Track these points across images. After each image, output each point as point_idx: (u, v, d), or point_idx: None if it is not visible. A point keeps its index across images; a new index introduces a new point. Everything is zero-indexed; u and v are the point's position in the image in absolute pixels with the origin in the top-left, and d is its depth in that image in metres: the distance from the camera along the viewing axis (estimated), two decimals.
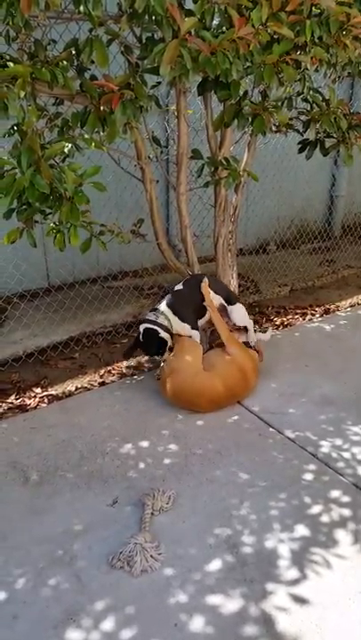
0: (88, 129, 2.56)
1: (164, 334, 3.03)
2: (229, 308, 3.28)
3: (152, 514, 2.23)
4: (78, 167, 2.43)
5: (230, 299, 3.31)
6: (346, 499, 2.37)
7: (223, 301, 3.27)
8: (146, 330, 3.04)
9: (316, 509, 2.31)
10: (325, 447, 2.69)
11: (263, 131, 2.91)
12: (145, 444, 2.71)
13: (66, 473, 2.51)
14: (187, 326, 3.09)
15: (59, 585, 1.97)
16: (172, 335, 3.08)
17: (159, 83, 2.97)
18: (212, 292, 3.21)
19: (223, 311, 3.27)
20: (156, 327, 3.02)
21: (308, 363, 3.51)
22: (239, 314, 3.29)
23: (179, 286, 3.24)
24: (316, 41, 2.68)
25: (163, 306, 3.11)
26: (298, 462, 2.59)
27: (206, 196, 3.88)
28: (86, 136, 2.63)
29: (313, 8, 2.62)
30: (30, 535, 2.17)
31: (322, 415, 2.96)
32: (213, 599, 1.92)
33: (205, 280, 3.18)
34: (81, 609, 1.88)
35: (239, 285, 3.89)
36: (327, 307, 4.51)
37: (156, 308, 3.11)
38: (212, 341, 3.30)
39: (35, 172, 2.28)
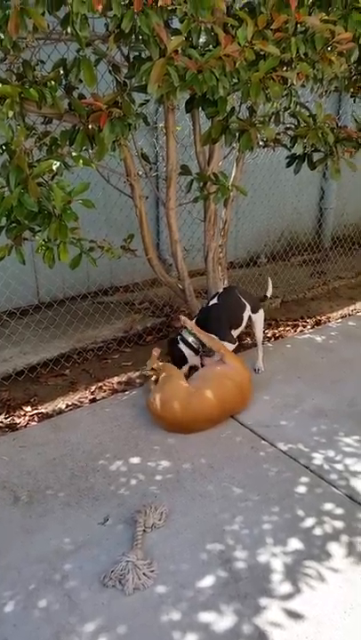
0: (77, 147, 2.58)
1: (185, 350, 3.25)
2: (253, 315, 3.50)
3: (144, 531, 2.21)
4: (67, 185, 2.45)
5: (256, 307, 3.53)
6: (339, 511, 2.36)
7: (250, 310, 3.47)
8: (170, 341, 3.35)
9: (309, 522, 2.30)
10: (318, 459, 2.69)
11: (251, 146, 2.95)
12: (136, 460, 2.70)
13: (56, 492, 2.49)
14: (215, 338, 3.20)
15: (49, 606, 1.94)
16: (197, 352, 3.23)
17: (147, 101, 3.01)
18: (242, 298, 3.44)
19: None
20: (180, 343, 3.26)
21: (301, 374, 3.52)
22: (260, 321, 3.59)
23: (214, 300, 3.38)
24: (302, 57, 2.72)
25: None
26: (291, 475, 2.58)
27: (196, 210, 3.91)
28: (75, 154, 2.65)
29: (298, 25, 2.67)
30: (21, 555, 2.15)
31: (314, 427, 2.96)
32: (207, 616, 1.90)
33: (183, 319, 3.22)
34: (72, 630, 1.85)
35: None
36: (318, 318, 4.53)
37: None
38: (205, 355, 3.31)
39: (23, 191, 2.29)
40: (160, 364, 3.15)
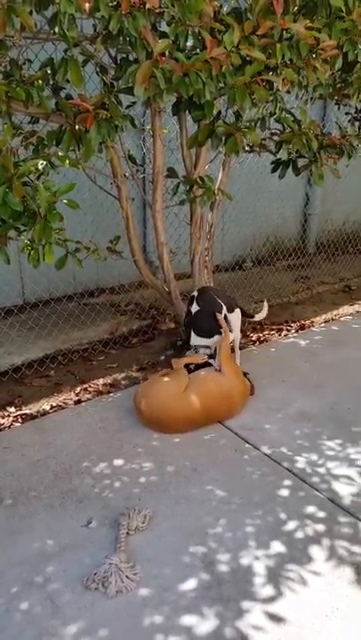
0: (63, 147, 2.58)
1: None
2: (229, 315, 3.42)
3: (127, 533, 2.21)
4: (52, 185, 2.44)
5: (231, 306, 3.47)
6: (321, 514, 2.38)
7: (225, 309, 3.39)
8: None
9: (291, 525, 2.31)
10: (301, 462, 2.71)
11: (237, 150, 2.96)
12: (120, 462, 2.69)
13: (40, 493, 2.47)
14: (216, 337, 3.22)
15: (32, 608, 1.92)
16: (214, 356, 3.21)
17: (134, 103, 3.01)
18: (217, 299, 3.37)
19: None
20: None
21: (285, 378, 3.54)
22: (237, 320, 3.50)
23: (195, 306, 3.33)
24: (288, 63, 2.75)
25: (194, 339, 3.26)
26: (274, 478, 2.59)
27: (182, 213, 3.92)
28: (61, 154, 2.64)
29: (284, 32, 2.69)
30: (4, 557, 2.13)
31: (298, 430, 2.98)
32: (189, 619, 1.90)
33: (222, 312, 3.27)
34: (54, 633, 1.84)
35: None
36: (302, 322, 4.56)
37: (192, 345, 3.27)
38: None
39: (7, 190, 2.28)
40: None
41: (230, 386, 3.03)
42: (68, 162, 2.62)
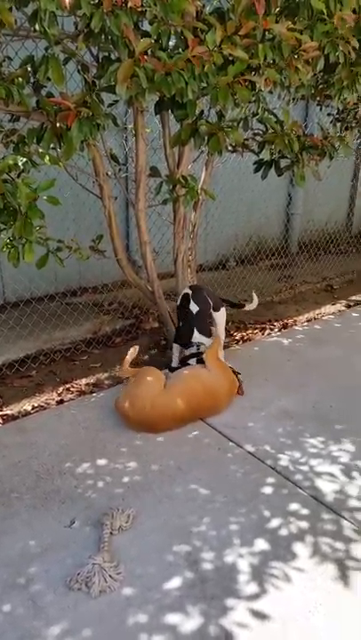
0: (44, 145, 2.56)
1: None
2: (215, 314, 3.51)
3: (111, 533, 2.20)
4: (32, 182, 2.42)
5: (217, 305, 3.55)
6: (304, 511, 2.39)
7: (212, 308, 3.48)
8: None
9: (275, 523, 2.32)
10: (284, 460, 2.72)
11: (219, 150, 2.97)
12: (103, 462, 2.68)
13: (22, 494, 2.45)
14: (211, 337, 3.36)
15: (14, 610, 1.90)
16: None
17: (116, 101, 3.00)
18: (208, 298, 3.49)
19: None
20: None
21: (268, 377, 3.56)
22: (222, 319, 3.57)
23: (194, 307, 3.39)
24: (270, 63, 2.76)
25: (197, 336, 3.33)
26: (257, 476, 2.60)
27: (166, 212, 3.92)
28: (41, 151, 2.62)
29: (266, 33, 2.70)
30: None
31: (281, 428, 2.99)
32: (173, 618, 1.89)
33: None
34: (37, 634, 1.82)
35: None
36: (285, 321, 4.59)
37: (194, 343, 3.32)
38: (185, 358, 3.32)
39: None
40: (131, 369, 3.13)
41: (215, 383, 3.04)
42: (48, 159, 2.59)
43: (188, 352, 3.29)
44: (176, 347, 3.44)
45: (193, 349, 3.27)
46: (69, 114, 2.47)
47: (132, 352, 3.19)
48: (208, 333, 3.37)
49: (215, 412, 3.05)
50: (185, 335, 3.34)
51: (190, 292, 3.45)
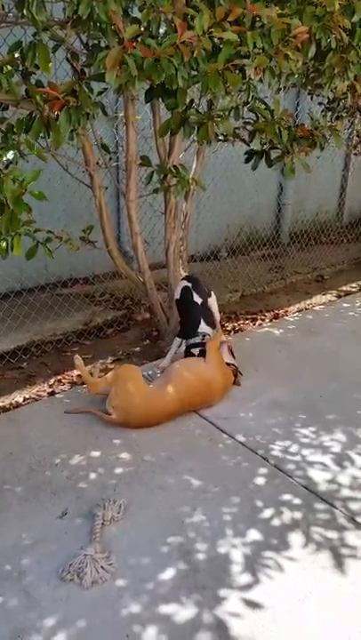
0: (32, 135, 2.52)
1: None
2: (209, 300, 3.50)
3: (103, 524, 2.19)
4: (20, 174, 2.38)
5: (209, 292, 3.55)
6: (297, 501, 2.40)
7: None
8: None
9: (267, 513, 2.33)
10: (276, 450, 2.73)
11: (208, 140, 2.94)
12: (96, 453, 2.67)
13: (14, 486, 2.44)
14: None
15: (7, 602, 1.90)
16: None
17: (106, 89, 2.96)
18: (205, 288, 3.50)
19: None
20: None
21: (259, 367, 3.56)
22: (215, 304, 3.57)
23: (197, 298, 3.40)
24: (260, 51, 2.73)
25: (203, 327, 3.34)
26: (249, 466, 2.61)
27: (157, 203, 3.89)
28: (31, 140, 2.58)
29: (256, 21, 2.67)
30: None
31: (272, 419, 3.00)
32: (167, 608, 1.90)
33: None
34: (31, 626, 1.82)
35: None
36: (277, 312, 4.59)
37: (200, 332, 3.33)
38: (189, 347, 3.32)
39: None
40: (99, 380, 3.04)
41: (211, 376, 3.03)
42: (35, 149, 2.56)
43: (191, 341, 3.29)
44: (176, 342, 3.44)
45: (198, 339, 3.27)
46: (56, 102, 2.43)
47: (79, 364, 3.02)
48: (213, 324, 3.38)
49: (209, 404, 3.05)
50: (191, 329, 3.32)
51: (190, 284, 3.43)
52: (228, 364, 3.23)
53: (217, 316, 3.59)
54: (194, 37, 2.44)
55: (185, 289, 3.41)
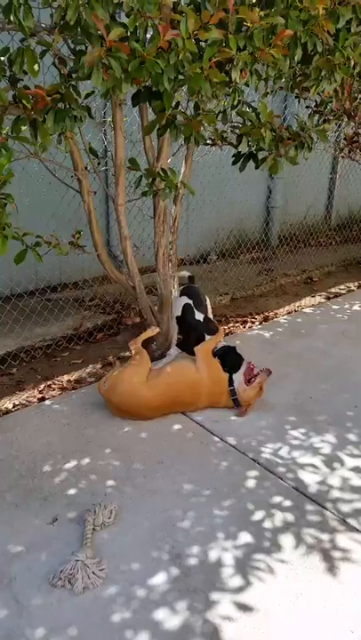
0: (16, 129, 2.53)
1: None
2: (208, 309, 3.55)
3: (93, 529, 2.19)
4: None
5: (204, 296, 3.62)
6: (288, 503, 2.41)
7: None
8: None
9: (259, 515, 2.33)
10: (266, 453, 2.73)
11: (195, 138, 2.93)
12: (86, 459, 2.66)
13: (3, 493, 2.43)
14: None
15: None
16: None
17: (93, 92, 2.96)
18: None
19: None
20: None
21: None
22: (209, 307, 3.61)
23: (199, 316, 3.42)
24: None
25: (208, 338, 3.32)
26: (240, 469, 2.61)
27: (146, 207, 3.90)
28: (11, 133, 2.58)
29: (243, 25, 2.68)
30: None
31: (262, 421, 3.01)
32: (158, 613, 1.90)
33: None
34: (21, 633, 1.81)
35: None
36: (266, 314, 4.61)
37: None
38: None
39: None
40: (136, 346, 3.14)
41: (196, 379, 3.03)
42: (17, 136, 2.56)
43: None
44: (175, 351, 3.51)
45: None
46: (42, 101, 2.44)
47: (150, 332, 3.28)
48: (214, 331, 3.36)
49: (195, 406, 3.05)
50: (195, 344, 3.24)
51: (190, 300, 3.45)
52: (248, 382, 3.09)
53: (210, 315, 3.61)
54: (177, 35, 2.44)
55: (186, 306, 3.43)
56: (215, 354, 3.16)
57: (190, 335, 3.42)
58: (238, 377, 3.07)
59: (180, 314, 3.47)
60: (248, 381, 3.06)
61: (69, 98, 2.54)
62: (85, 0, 2.25)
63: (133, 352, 3.11)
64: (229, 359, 3.15)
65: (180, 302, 3.49)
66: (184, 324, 3.47)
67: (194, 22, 2.49)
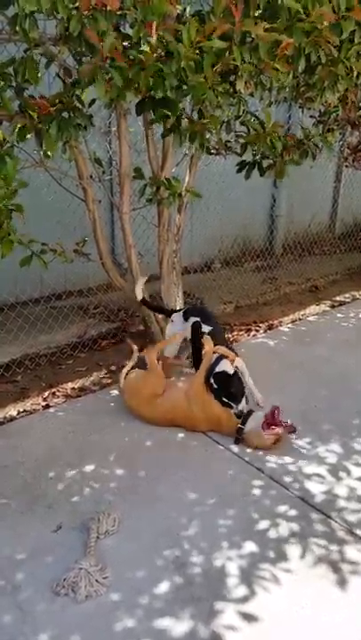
0: (20, 135, 2.56)
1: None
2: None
3: (97, 537, 2.18)
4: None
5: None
6: (293, 512, 2.39)
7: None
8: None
9: (264, 525, 2.32)
10: (272, 462, 2.72)
11: (199, 142, 2.95)
12: (90, 466, 2.66)
13: (8, 499, 2.43)
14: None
15: (0, 616, 1.88)
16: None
17: (94, 100, 2.98)
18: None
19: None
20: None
21: (253, 378, 3.54)
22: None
23: (207, 327, 3.25)
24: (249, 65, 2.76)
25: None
26: (245, 478, 2.60)
27: (150, 215, 3.91)
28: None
29: (247, 36, 2.70)
30: None
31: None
32: (162, 622, 1.88)
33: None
34: None
35: (185, 303, 3.92)
36: (271, 323, 4.60)
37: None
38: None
39: None
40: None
41: (186, 406, 2.95)
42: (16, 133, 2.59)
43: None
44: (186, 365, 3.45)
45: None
46: (45, 108, 2.48)
47: (178, 338, 3.29)
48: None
49: (192, 428, 2.96)
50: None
51: (199, 319, 3.28)
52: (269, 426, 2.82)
53: None
54: (167, 27, 2.46)
55: (196, 323, 3.27)
56: (215, 377, 2.97)
57: (199, 354, 3.20)
58: (256, 420, 2.82)
59: (190, 336, 3.30)
60: (268, 425, 2.79)
61: (71, 106, 2.56)
62: (87, 10, 2.27)
63: (148, 363, 3.10)
64: (229, 387, 2.95)
65: (187, 325, 3.31)
66: (194, 343, 3.28)
67: (195, 32, 2.51)
